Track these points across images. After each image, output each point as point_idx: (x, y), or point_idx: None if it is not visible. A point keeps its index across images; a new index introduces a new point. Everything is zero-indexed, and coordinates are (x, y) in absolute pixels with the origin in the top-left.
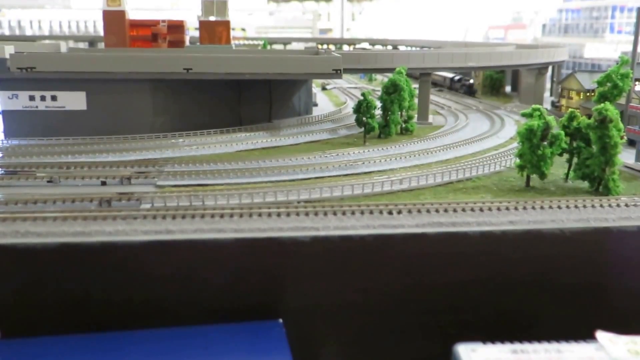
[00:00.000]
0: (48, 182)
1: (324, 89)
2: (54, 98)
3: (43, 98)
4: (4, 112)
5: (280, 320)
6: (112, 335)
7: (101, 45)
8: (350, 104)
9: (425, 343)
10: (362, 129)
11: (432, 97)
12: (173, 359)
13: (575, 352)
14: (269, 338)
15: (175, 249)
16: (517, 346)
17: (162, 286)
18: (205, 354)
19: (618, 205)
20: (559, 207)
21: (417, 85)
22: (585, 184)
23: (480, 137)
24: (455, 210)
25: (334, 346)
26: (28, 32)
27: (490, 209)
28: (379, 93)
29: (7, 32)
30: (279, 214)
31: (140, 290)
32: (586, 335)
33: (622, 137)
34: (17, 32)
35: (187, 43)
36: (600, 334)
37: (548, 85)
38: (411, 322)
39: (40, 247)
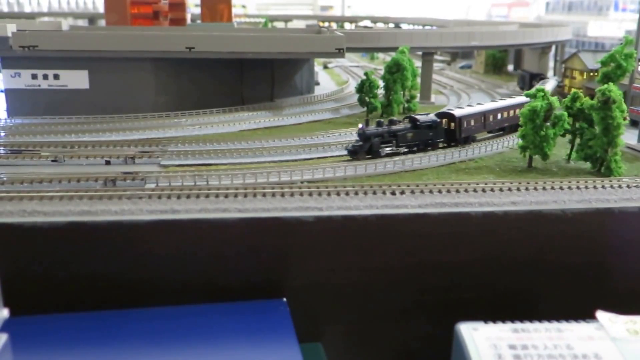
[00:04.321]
0: (53, 161)
1: (325, 67)
2: (56, 77)
3: (45, 77)
4: (7, 91)
5: (284, 299)
6: (117, 312)
7: (101, 22)
8: (352, 83)
9: (427, 322)
10: (365, 109)
11: (434, 77)
12: (178, 337)
13: (575, 331)
14: (273, 316)
15: (181, 229)
16: (518, 325)
17: (167, 265)
18: (209, 332)
19: (620, 187)
20: (561, 188)
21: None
22: (587, 165)
23: None
24: (457, 191)
25: (337, 324)
26: (27, 9)
27: (492, 190)
28: (381, 72)
29: (5, 9)
30: (282, 194)
31: (146, 268)
32: (586, 315)
33: (625, 118)
34: (16, 9)
35: (189, 21)
36: (600, 314)
37: (551, 64)
38: (413, 301)
39: (47, 226)
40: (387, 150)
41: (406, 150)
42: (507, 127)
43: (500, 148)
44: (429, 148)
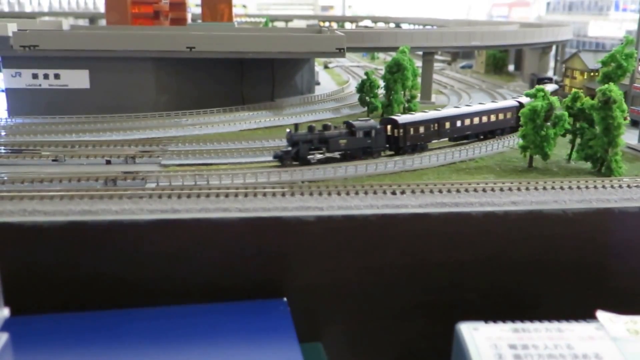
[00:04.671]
0: (53, 160)
1: (326, 67)
2: (57, 76)
3: (46, 76)
4: (8, 90)
5: (285, 299)
6: (118, 312)
7: (102, 22)
8: (353, 83)
9: (427, 322)
10: (365, 109)
11: (435, 77)
12: (178, 336)
13: (575, 331)
14: (273, 316)
15: (181, 228)
16: (519, 325)
17: (168, 264)
18: (210, 332)
19: (620, 187)
20: (562, 188)
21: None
22: (588, 165)
23: None
24: (458, 191)
25: (337, 324)
26: (27, 9)
27: (493, 190)
28: (382, 72)
29: (6, 9)
30: (283, 194)
31: (146, 268)
32: (587, 314)
33: (625, 118)
34: (17, 9)
35: (189, 20)
36: (600, 314)
37: (552, 64)
38: (414, 301)
39: (48, 226)
40: (318, 156)
41: (339, 157)
42: (473, 135)
43: (501, 148)
44: (367, 156)
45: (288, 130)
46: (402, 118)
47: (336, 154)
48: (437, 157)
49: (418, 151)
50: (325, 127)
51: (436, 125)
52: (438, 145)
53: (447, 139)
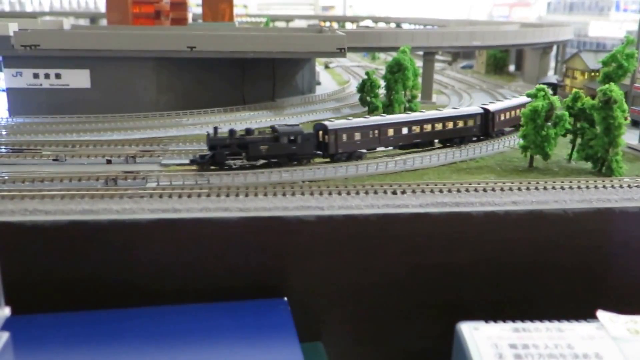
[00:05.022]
0: (54, 160)
1: (327, 67)
2: (58, 76)
3: (47, 76)
4: (9, 90)
5: (285, 298)
6: (118, 311)
7: (103, 22)
8: (354, 83)
9: (428, 321)
10: (366, 108)
11: (436, 77)
12: (179, 335)
13: (576, 330)
14: (274, 316)
15: (182, 228)
16: (519, 325)
17: (168, 264)
18: (210, 331)
19: (621, 186)
20: (562, 188)
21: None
22: (588, 165)
23: None
24: (458, 191)
25: (337, 324)
26: (28, 9)
27: (493, 190)
28: (382, 72)
29: (7, 8)
30: (284, 194)
31: (147, 267)
32: (587, 314)
33: (626, 118)
34: (17, 8)
35: (190, 20)
36: (600, 313)
37: (552, 64)
38: (414, 300)
39: (49, 225)
40: (238, 162)
41: (261, 164)
42: (425, 143)
43: (501, 148)
44: (295, 163)
45: (207, 132)
46: (333, 124)
47: (259, 161)
48: (437, 156)
49: (354, 159)
50: (248, 131)
51: (376, 132)
52: (385, 153)
53: (390, 147)
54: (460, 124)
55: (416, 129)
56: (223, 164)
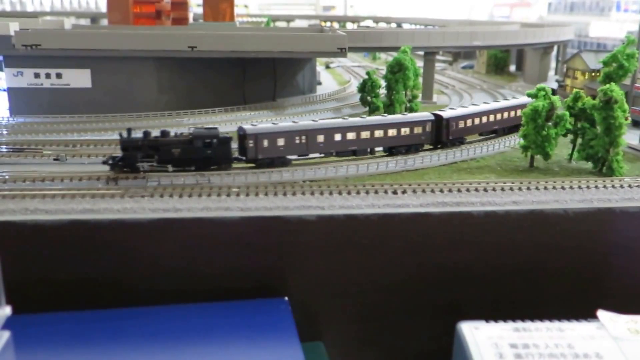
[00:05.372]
0: (54, 160)
1: (327, 67)
2: (58, 76)
3: (48, 75)
4: (10, 90)
5: (286, 298)
6: (119, 311)
7: (104, 22)
8: (354, 83)
9: (428, 321)
10: (367, 108)
11: (436, 77)
12: (180, 335)
13: (576, 330)
14: (275, 315)
15: (183, 227)
16: (520, 324)
17: (169, 264)
18: (211, 330)
19: (621, 186)
20: (563, 188)
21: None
22: (589, 165)
23: None
24: (459, 190)
25: (338, 323)
26: (29, 8)
27: (494, 189)
28: (383, 72)
29: (8, 8)
30: (284, 193)
31: (148, 267)
32: (588, 314)
33: (626, 118)
34: (19, 8)
35: (191, 20)
36: (601, 313)
37: (553, 64)
38: (415, 300)
39: (50, 225)
40: (147, 166)
41: (175, 169)
42: (361, 151)
43: (502, 148)
44: (214, 168)
45: (120, 133)
46: (253, 128)
47: (169, 165)
48: (438, 156)
49: (278, 165)
50: (163, 133)
51: (303, 137)
52: (323, 160)
53: (322, 154)
54: (406, 131)
55: (351, 135)
56: (134, 167)
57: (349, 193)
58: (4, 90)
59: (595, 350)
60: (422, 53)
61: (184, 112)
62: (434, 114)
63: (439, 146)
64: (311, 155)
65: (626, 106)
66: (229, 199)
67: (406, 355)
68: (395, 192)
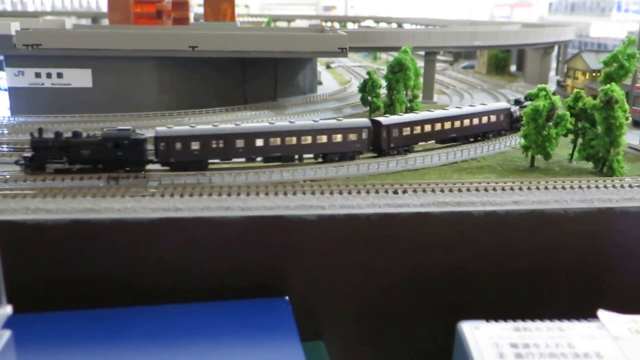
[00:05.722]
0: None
1: (328, 67)
2: (59, 75)
3: (49, 75)
4: (10, 89)
5: (287, 298)
6: (120, 310)
7: (104, 21)
8: (355, 83)
9: (429, 321)
10: (367, 108)
11: (437, 77)
12: (181, 334)
13: (576, 330)
14: (275, 315)
15: (184, 226)
16: (520, 324)
17: (170, 263)
18: (212, 330)
19: (622, 186)
20: (563, 188)
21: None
22: (589, 165)
23: None
24: (460, 190)
25: (339, 323)
26: (30, 8)
27: (494, 189)
28: (384, 72)
29: (9, 8)
30: (285, 193)
31: (149, 266)
32: (588, 314)
33: (627, 118)
34: (19, 8)
35: (192, 20)
36: (601, 313)
37: (554, 64)
38: (415, 300)
39: (51, 224)
40: (58, 166)
41: (85, 169)
42: (288, 158)
43: (503, 147)
44: (128, 169)
45: (30, 133)
46: (166, 130)
47: (80, 166)
48: (438, 156)
49: (193, 169)
50: (75, 134)
51: (221, 142)
52: (248, 165)
53: (242, 159)
54: (338, 138)
55: (276, 141)
56: (44, 167)
57: (349, 193)
58: (5, 89)
59: (596, 350)
60: (422, 53)
61: (185, 111)
62: (373, 120)
63: (376, 155)
64: (234, 160)
65: (627, 106)
66: (229, 199)
67: (406, 354)
68: (395, 192)
